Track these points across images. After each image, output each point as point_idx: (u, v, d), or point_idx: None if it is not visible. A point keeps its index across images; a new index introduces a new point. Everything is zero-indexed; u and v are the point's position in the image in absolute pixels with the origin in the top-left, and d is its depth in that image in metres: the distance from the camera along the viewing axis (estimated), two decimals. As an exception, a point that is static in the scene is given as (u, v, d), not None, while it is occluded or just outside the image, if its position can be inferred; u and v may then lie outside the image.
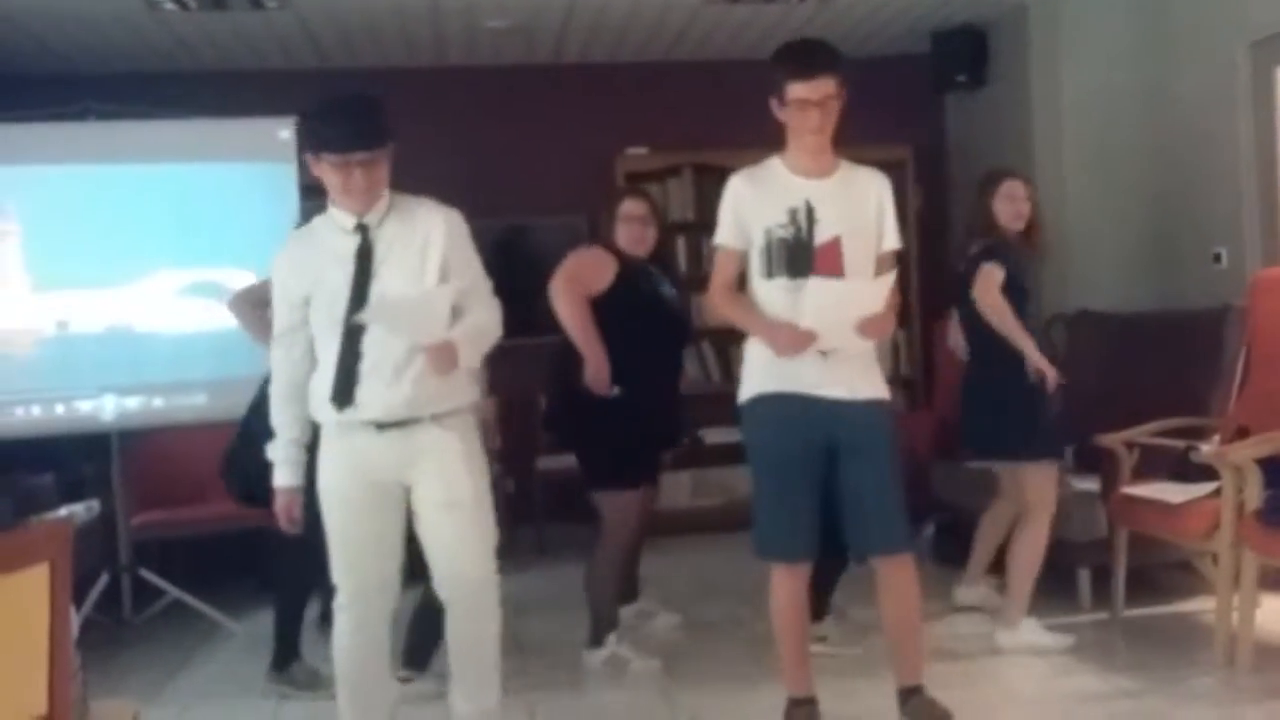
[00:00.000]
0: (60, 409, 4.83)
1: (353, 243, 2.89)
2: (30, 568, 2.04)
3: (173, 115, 5.06)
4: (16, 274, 4.82)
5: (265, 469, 3.05)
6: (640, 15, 5.86)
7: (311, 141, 2.88)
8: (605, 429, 3.83)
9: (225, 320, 4.82)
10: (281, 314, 2.98)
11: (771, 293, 3.06)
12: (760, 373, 3.12)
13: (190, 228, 4.92)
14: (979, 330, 3.99)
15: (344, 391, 2.86)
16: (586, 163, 6.12)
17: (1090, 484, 4.38)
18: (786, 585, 3.14)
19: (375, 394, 2.85)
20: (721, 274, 3.15)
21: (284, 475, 2.98)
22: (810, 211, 3.03)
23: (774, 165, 3.14)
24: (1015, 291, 3.93)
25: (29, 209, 4.85)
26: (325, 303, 2.88)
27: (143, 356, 4.88)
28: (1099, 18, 5.69)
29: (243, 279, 4.71)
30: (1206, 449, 3.87)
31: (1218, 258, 4.97)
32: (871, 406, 3.09)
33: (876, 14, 6.02)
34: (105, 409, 4.84)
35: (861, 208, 3.10)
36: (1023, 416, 3.89)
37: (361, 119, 2.85)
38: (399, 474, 2.92)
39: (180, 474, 5.21)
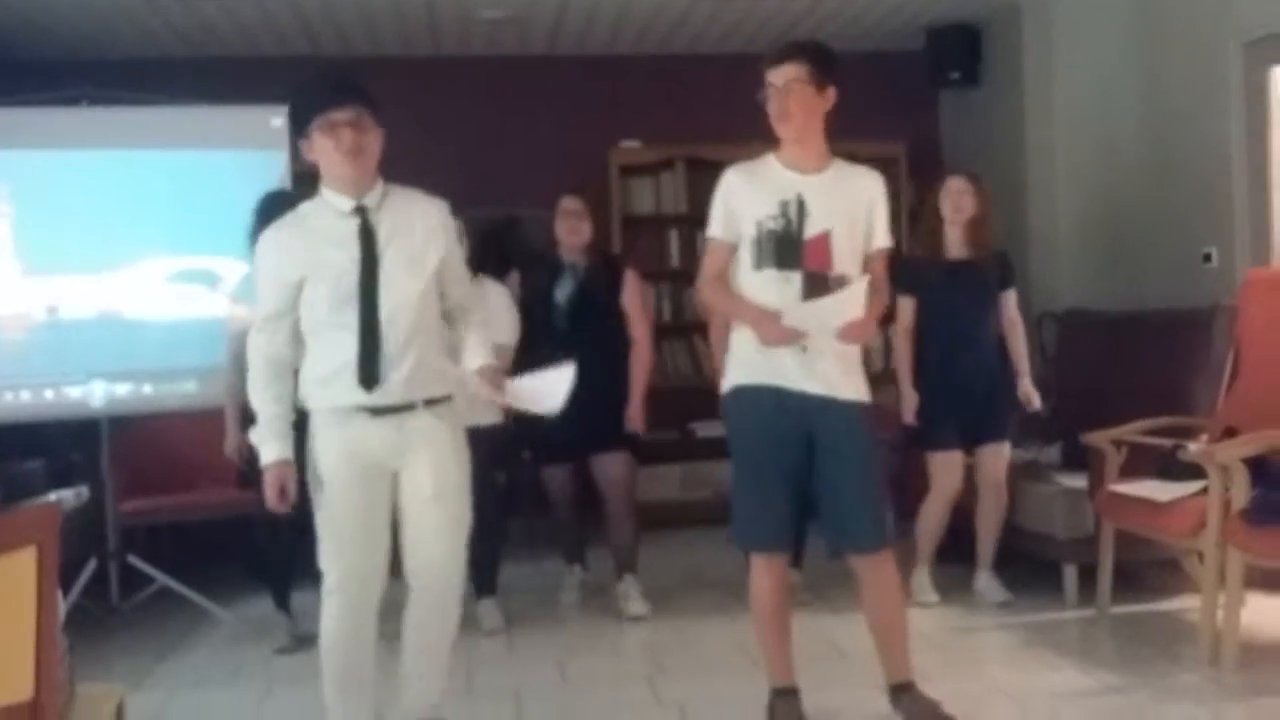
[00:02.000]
0: (50, 395, 4.81)
1: (352, 225, 2.88)
2: (17, 551, 2.04)
3: (166, 102, 5.04)
4: (7, 259, 4.79)
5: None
6: (635, 8, 5.85)
7: (298, 116, 2.88)
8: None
9: (215, 308, 4.85)
10: (268, 298, 2.91)
11: (759, 284, 3.07)
12: (742, 365, 3.14)
13: (182, 214, 4.91)
14: None
15: (371, 373, 2.85)
16: (579, 155, 6.11)
17: (1078, 481, 4.40)
18: (764, 575, 3.16)
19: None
20: (711, 265, 3.18)
21: (272, 450, 2.88)
22: (801, 205, 3.05)
23: (769, 160, 3.17)
24: (936, 306, 4.40)
25: (21, 194, 4.82)
26: (328, 284, 2.85)
27: (133, 343, 4.87)
28: (1092, 17, 5.70)
29: (233, 267, 4.72)
30: (1194, 448, 3.87)
31: (1208, 257, 4.98)
32: (850, 407, 3.09)
33: (871, 10, 6.03)
34: (95, 395, 4.83)
35: (853, 205, 3.12)
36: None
37: (342, 81, 2.91)
38: (391, 460, 2.93)
39: (169, 461, 5.20)
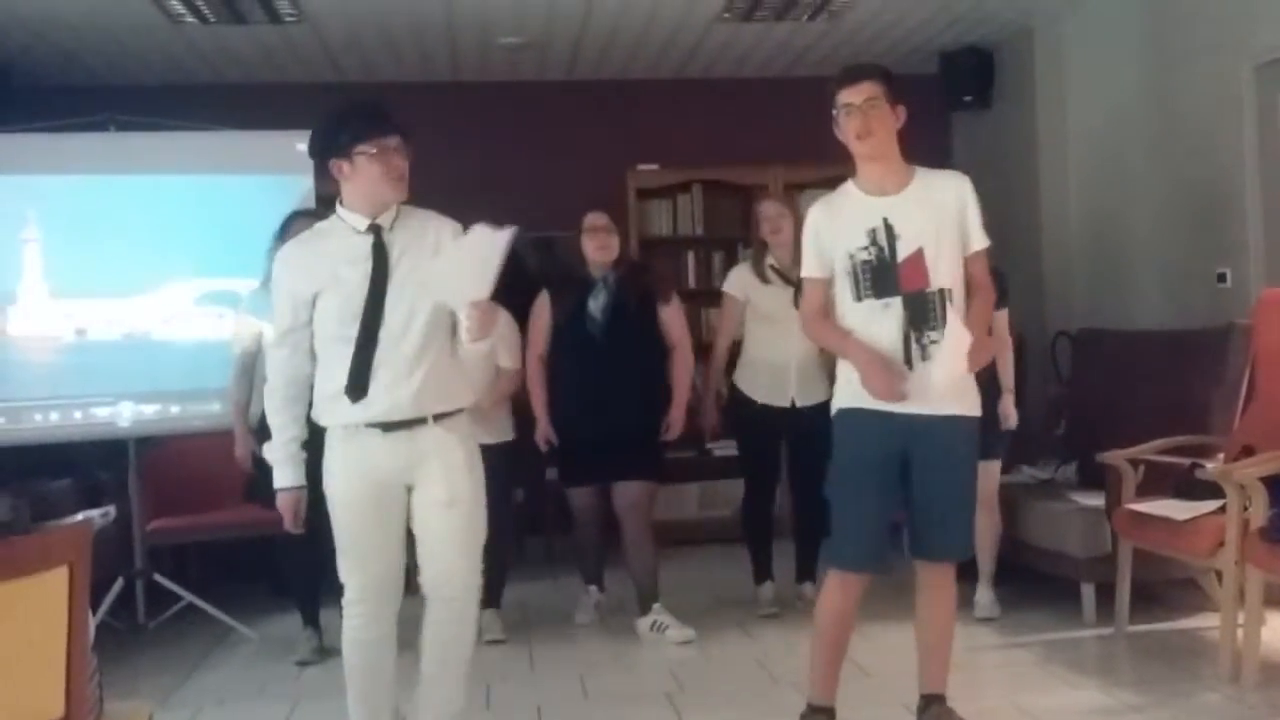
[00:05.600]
0: (78, 415, 4.88)
1: (366, 242, 2.94)
2: (50, 570, 2.08)
3: (191, 127, 5.12)
4: (36, 282, 4.88)
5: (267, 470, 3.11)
6: (652, 33, 5.92)
7: (340, 141, 2.91)
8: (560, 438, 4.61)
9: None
10: (285, 313, 2.97)
11: (863, 315, 3.08)
12: (848, 387, 3.14)
13: (207, 238, 4.99)
14: None
15: (359, 384, 2.89)
16: (598, 178, 6.15)
17: (1094, 500, 4.41)
18: (839, 593, 3.15)
19: (384, 390, 2.91)
20: (809, 303, 3.21)
21: (289, 475, 2.99)
22: (889, 229, 3.05)
23: (848, 189, 3.17)
24: None
25: (49, 218, 4.91)
26: (339, 300, 2.91)
27: (159, 364, 4.94)
28: (1104, 40, 5.73)
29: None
30: (1212, 466, 3.88)
31: (1222, 277, 4.99)
32: (953, 422, 3.09)
33: (885, 34, 6.08)
34: (122, 416, 4.90)
35: (942, 213, 3.10)
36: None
37: (384, 111, 2.98)
38: (404, 475, 2.98)
39: (195, 480, 5.26)
